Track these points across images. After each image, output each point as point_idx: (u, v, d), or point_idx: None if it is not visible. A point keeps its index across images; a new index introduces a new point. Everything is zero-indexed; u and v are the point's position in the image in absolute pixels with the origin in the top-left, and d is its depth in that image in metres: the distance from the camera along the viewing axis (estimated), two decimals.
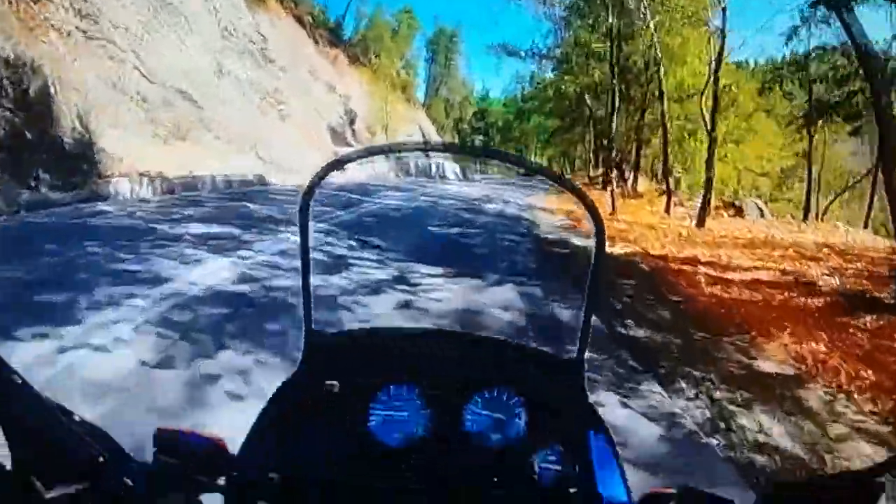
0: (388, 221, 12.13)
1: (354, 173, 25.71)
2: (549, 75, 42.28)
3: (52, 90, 14.61)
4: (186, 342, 4.36)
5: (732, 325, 6.94)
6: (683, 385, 4.78)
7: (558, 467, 1.13)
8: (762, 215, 25.33)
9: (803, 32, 17.83)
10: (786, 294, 8.90)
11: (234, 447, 0.94)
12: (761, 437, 3.92)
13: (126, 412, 3.14)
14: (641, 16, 24.81)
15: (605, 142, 33.46)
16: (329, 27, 44.32)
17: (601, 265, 1.13)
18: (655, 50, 23.99)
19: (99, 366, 3.76)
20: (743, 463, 3.57)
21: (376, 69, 45.11)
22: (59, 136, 14.26)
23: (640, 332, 6.23)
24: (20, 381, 0.69)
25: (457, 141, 62.11)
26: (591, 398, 1.19)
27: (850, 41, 10.32)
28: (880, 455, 3.83)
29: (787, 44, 19.11)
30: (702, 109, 22.78)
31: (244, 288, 5.95)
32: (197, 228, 9.02)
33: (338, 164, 1.13)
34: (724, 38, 19.19)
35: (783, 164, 41.25)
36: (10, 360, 0.66)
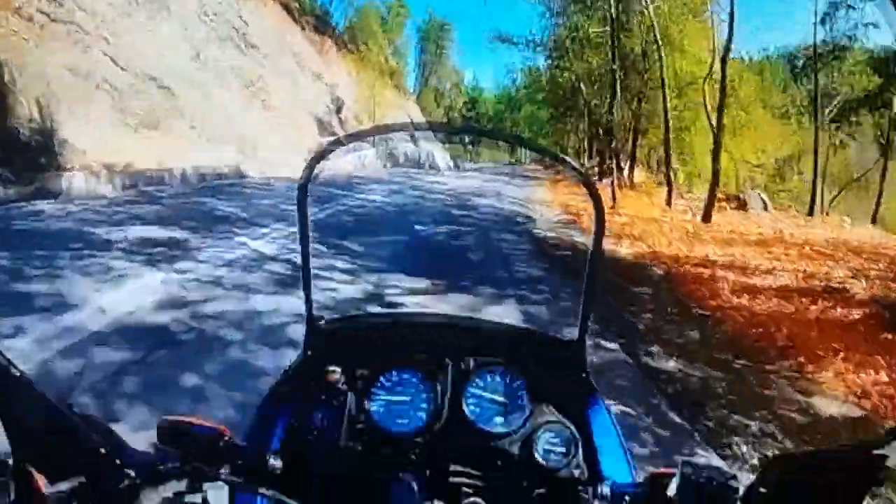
0: (368, 220, 10.90)
1: (340, 164, 24.38)
2: (542, 64, 40.98)
3: (9, 77, 13.58)
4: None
5: (774, 349, 5.89)
6: (741, 446, 3.60)
7: (562, 450, 1.12)
8: (766, 208, 24.18)
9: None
10: (819, 304, 7.85)
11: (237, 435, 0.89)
12: None
13: None
14: (641, 1, 23.61)
15: (601, 131, 32.45)
16: (317, 14, 42.81)
17: (600, 248, 1.21)
18: (656, 36, 22.74)
19: None
20: None
21: (364, 57, 43.62)
22: (16, 127, 13.24)
23: (673, 365, 5.06)
24: (19, 374, 0.68)
25: (448, 133, 61.08)
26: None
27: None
28: None
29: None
30: (704, 99, 22.09)
31: (165, 318, 4.67)
32: (139, 232, 7.81)
33: (336, 144, 1.17)
34: (732, 22, 17.94)
35: (778, 155, 40.63)
36: None
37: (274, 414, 1.17)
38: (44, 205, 9.90)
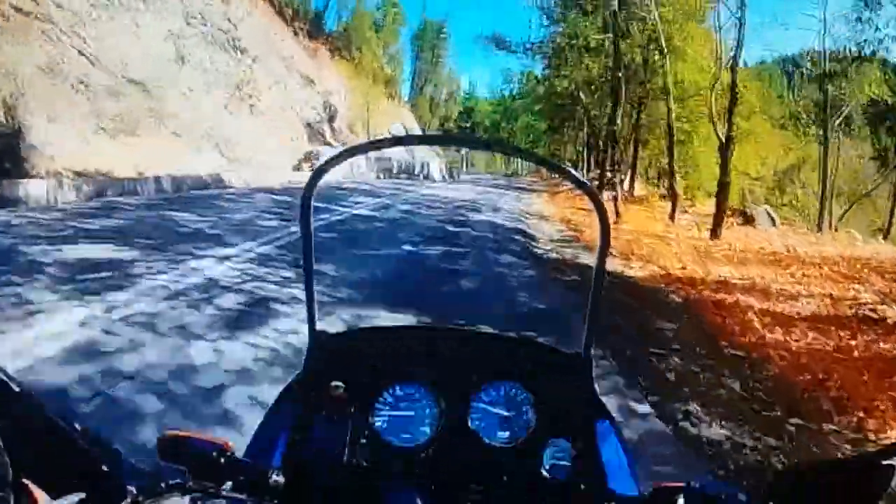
0: (350, 238, 9.70)
1: (330, 173, 22.61)
2: (539, 72, 40.07)
3: None
4: None
5: (827, 400, 4.89)
6: None
7: (568, 463, 1.11)
8: (774, 224, 23.42)
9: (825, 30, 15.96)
10: (859, 337, 6.95)
11: (239, 451, 0.89)
12: None
13: None
14: (644, 6, 22.77)
15: (601, 142, 31.65)
16: (309, 18, 41.94)
17: (604, 262, 1.15)
18: (660, 43, 21.89)
19: None
20: None
21: (358, 63, 42.70)
22: None
23: (719, 433, 4.00)
24: (18, 389, 0.67)
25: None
26: None
27: None
28: None
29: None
30: (710, 108, 20.99)
31: (68, 377, 3.43)
32: (80, 252, 6.65)
33: (346, 154, 1.11)
34: (741, 27, 17.12)
35: (777, 167, 40.08)
36: None
37: (276, 428, 1.18)
38: None
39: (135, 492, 0.73)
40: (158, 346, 3.95)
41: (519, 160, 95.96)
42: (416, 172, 40.02)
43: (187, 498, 0.79)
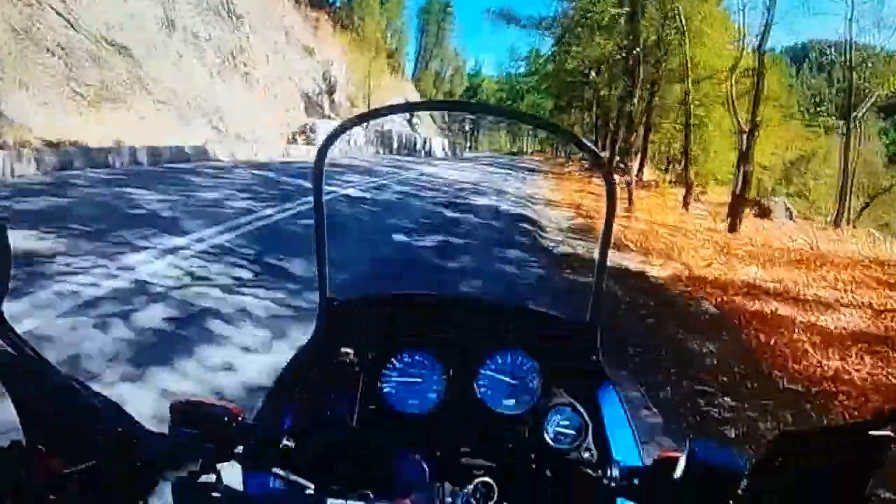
0: (333, 226, 8.19)
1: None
2: (549, 49, 38.62)
3: None
4: None
5: None
6: None
7: (572, 431, 1.13)
8: (791, 217, 22.43)
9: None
10: None
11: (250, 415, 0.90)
12: None
13: None
14: None
15: (611, 124, 30.48)
16: None
17: (610, 235, 1.21)
18: (681, 21, 20.66)
19: None
20: None
21: (361, 35, 41.15)
22: None
23: None
24: (35, 356, 0.70)
25: (446, 118, 59.38)
26: None
27: None
28: None
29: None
30: (730, 93, 20.17)
31: None
32: None
33: (363, 118, 1.18)
34: (772, 6, 15.84)
35: (786, 157, 39.29)
36: None
37: (286, 394, 1.19)
38: None
39: (148, 456, 0.74)
40: None
41: (524, 138, 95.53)
42: (417, 149, 38.73)
43: (199, 461, 0.78)
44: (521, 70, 56.29)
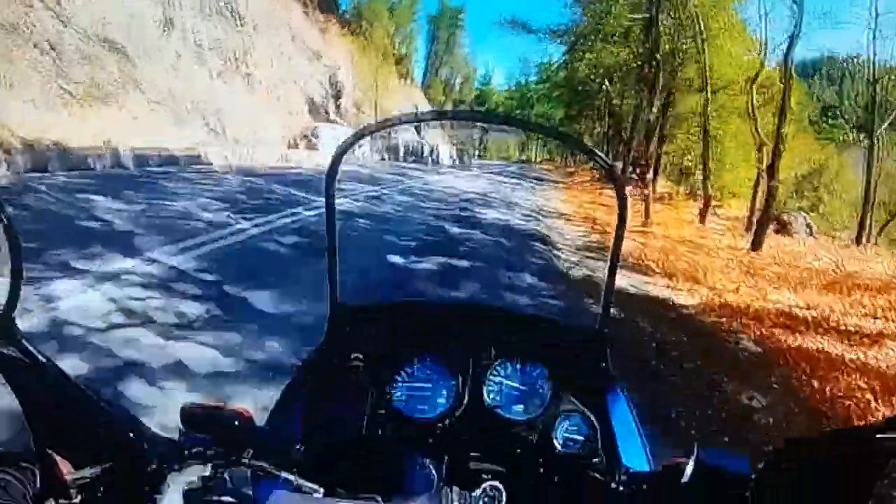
0: (317, 247, 6.87)
1: (329, 153, 20.50)
2: (560, 57, 37.75)
3: None
4: None
5: None
6: None
7: (580, 437, 1.16)
8: (811, 233, 21.51)
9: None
10: None
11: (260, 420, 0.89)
12: None
13: None
14: None
15: (624, 134, 29.66)
16: None
17: (621, 241, 1.21)
18: (699, 27, 19.83)
19: None
20: None
21: (368, 39, 40.39)
22: None
23: None
24: (45, 361, 0.70)
25: (454, 125, 58.70)
26: None
27: None
28: None
29: None
30: (750, 103, 19.22)
31: None
32: None
33: (384, 125, 1.18)
34: (800, 14, 14.90)
35: (798, 170, 38.56)
36: None
37: (296, 399, 1.21)
38: None
39: (158, 461, 0.74)
40: None
41: (532, 147, 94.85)
42: (424, 156, 37.83)
43: (209, 466, 0.78)
44: (532, 78, 55.57)
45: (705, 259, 11.71)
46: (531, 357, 1.26)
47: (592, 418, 1.16)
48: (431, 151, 39.79)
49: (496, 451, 1.12)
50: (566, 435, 1.15)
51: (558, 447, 1.14)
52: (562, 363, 1.25)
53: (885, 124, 24.21)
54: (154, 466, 0.74)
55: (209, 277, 5.27)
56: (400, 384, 1.22)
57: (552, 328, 1.45)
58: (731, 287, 9.24)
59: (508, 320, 1.46)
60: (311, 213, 9.45)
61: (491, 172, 36.03)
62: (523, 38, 43.46)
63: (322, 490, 0.83)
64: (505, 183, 26.81)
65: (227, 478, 0.79)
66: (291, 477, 0.82)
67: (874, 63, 24.03)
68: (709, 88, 20.39)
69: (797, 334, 6.99)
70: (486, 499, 0.98)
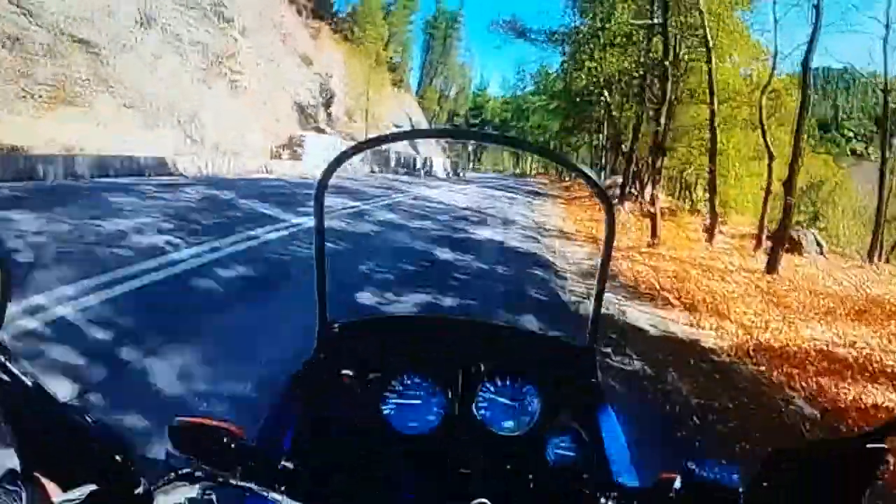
0: (278, 278, 6.02)
1: (315, 164, 19.69)
2: (558, 66, 36.79)
3: None
4: None
5: None
6: None
7: (571, 453, 1.16)
8: (821, 252, 20.61)
9: None
10: None
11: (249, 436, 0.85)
12: None
13: None
14: None
15: (625, 146, 28.72)
16: None
17: (610, 254, 1.20)
18: (707, 33, 18.89)
19: None
20: None
21: (360, 45, 39.34)
22: None
23: None
24: (33, 383, 0.68)
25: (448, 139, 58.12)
26: None
27: None
28: None
29: None
30: (760, 114, 19.08)
31: None
32: None
33: (382, 140, 1.17)
34: (818, 16, 13.90)
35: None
36: None
37: (286, 415, 1.18)
38: None
39: (145, 482, 0.73)
40: None
41: (527, 159, 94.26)
42: (416, 168, 36.72)
43: (197, 486, 0.77)
44: (529, 88, 54.62)
45: (720, 285, 10.61)
46: (521, 372, 1.25)
47: (583, 434, 1.15)
48: (425, 163, 38.74)
49: (487, 466, 1.12)
50: (557, 451, 1.15)
51: (549, 463, 1.13)
52: (552, 379, 1.24)
53: None
54: (141, 489, 0.71)
55: (102, 335, 3.86)
56: (390, 399, 1.21)
57: (542, 344, 1.46)
58: (759, 322, 8.19)
59: (498, 335, 1.46)
60: (274, 234, 8.10)
61: (486, 185, 34.76)
62: (520, 46, 42.45)
63: None
64: (500, 197, 25.43)
65: (214, 499, 0.76)
66: (279, 497, 0.79)
67: (886, 73, 23.15)
68: (716, 97, 19.40)
69: (846, 383, 6.08)
70: None
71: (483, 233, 12.38)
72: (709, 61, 19.14)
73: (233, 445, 0.81)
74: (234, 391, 3.23)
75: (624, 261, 10.96)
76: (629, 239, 14.54)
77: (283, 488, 0.81)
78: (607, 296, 7.60)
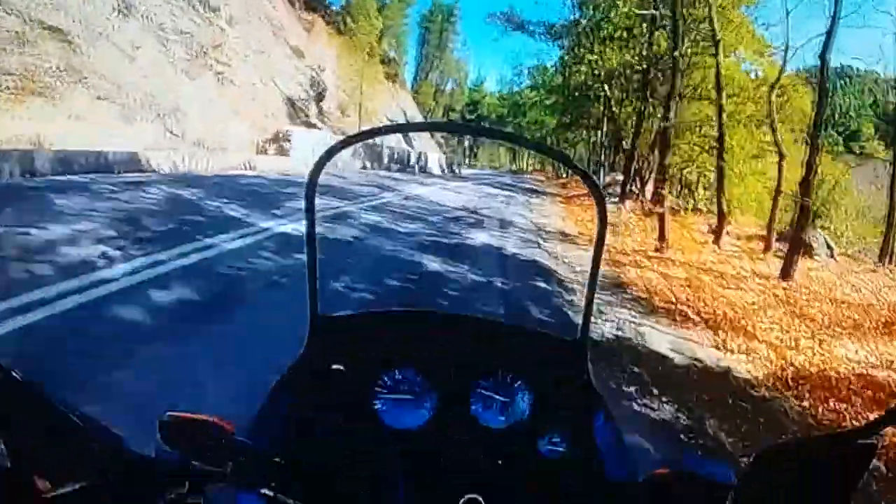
0: (230, 299, 5.06)
1: (302, 159, 18.83)
2: (556, 61, 35.93)
3: None
4: None
5: None
6: None
7: (563, 449, 1.15)
8: (832, 255, 20.03)
9: None
10: None
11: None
12: None
13: None
14: None
15: (626, 143, 27.96)
16: None
17: (602, 248, 1.19)
18: (714, 26, 18.21)
19: None
20: None
21: (354, 37, 38.32)
22: None
23: None
24: (19, 378, 0.67)
25: (444, 134, 57.22)
26: None
27: None
28: None
29: None
30: (771, 111, 18.47)
31: None
32: None
33: (375, 132, 1.14)
34: (837, 8, 13.07)
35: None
36: None
37: (277, 410, 1.16)
38: None
39: (136, 478, 0.72)
40: None
41: (523, 155, 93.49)
42: (410, 164, 35.68)
43: (186, 483, 0.76)
44: (526, 84, 53.70)
45: (738, 295, 9.97)
46: (513, 369, 1.24)
47: (575, 429, 1.15)
48: (419, 159, 37.73)
49: (479, 462, 1.11)
50: (548, 447, 1.14)
51: (540, 458, 1.13)
52: (544, 375, 1.23)
53: None
54: (132, 484, 0.70)
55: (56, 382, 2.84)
56: (382, 395, 1.20)
57: (534, 340, 1.41)
58: (787, 339, 7.51)
59: (490, 332, 1.42)
60: (237, 243, 7.01)
61: (482, 183, 33.63)
62: (517, 40, 41.71)
63: None
64: (497, 195, 24.32)
65: (204, 496, 0.76)
66: (269, 493, 0.79)
67: None
68: (724, 92, 18.63)
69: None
70: None
71: (479, 236, 11.34)
72: (716, 55, 18.44)
73: (223, 441, 0.78)
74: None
75: (632, 267, 10.07)
76: (634, 241, 13.70)
77: (273, 484, 0.79)
78: (621, 313, 6.78)
